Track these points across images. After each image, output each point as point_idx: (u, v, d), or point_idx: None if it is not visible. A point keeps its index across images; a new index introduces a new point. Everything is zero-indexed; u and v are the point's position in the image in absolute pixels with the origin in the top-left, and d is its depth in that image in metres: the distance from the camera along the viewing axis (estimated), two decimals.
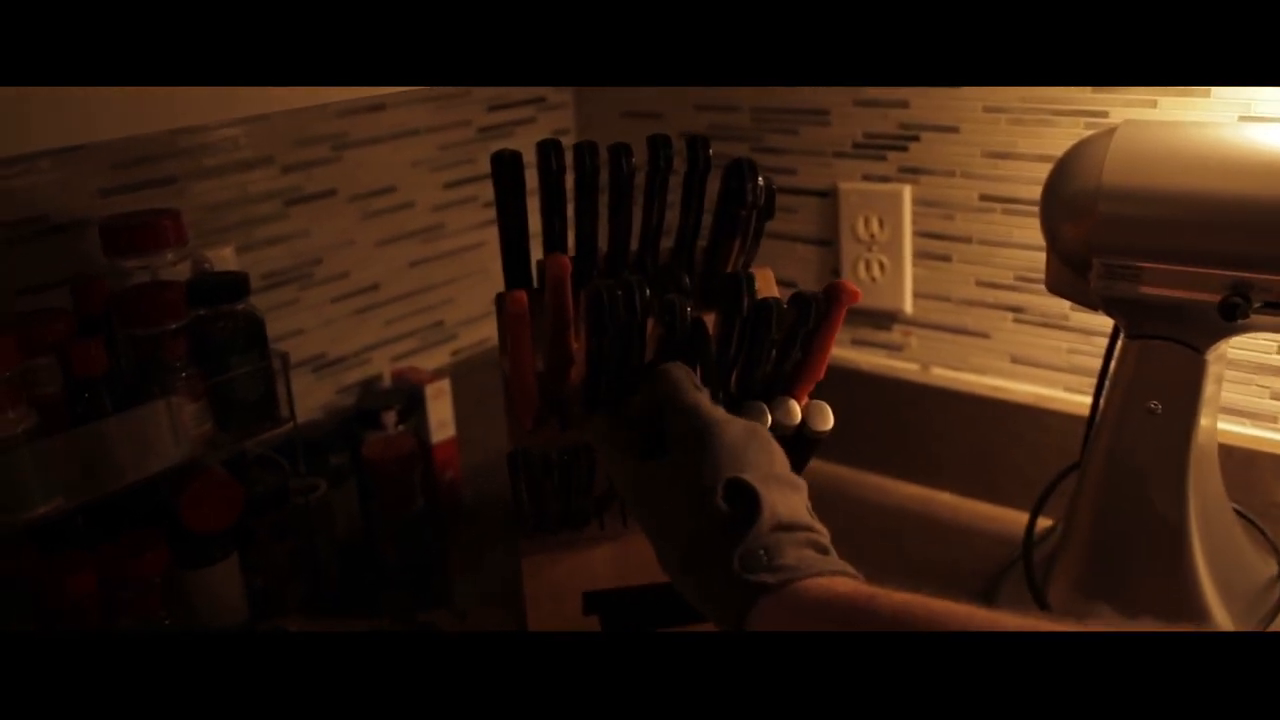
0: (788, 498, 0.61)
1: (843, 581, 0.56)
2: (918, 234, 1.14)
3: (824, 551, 0.59)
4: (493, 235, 1.26)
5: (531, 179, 0.77)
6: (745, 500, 0.59)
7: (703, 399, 0.65)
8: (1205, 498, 0.86)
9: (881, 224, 1.15)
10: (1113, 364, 0.87)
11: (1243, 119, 0.92)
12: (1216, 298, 0.75)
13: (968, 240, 1.11)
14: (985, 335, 1.13)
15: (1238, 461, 0.96)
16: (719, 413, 0.64)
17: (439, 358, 1.26)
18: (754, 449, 0.62)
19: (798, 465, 0.82)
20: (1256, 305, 0.74)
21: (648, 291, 0.68)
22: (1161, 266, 0.78)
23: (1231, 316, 0.74)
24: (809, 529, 0.60)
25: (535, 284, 0.83)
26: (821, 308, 0.71)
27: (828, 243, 1.20)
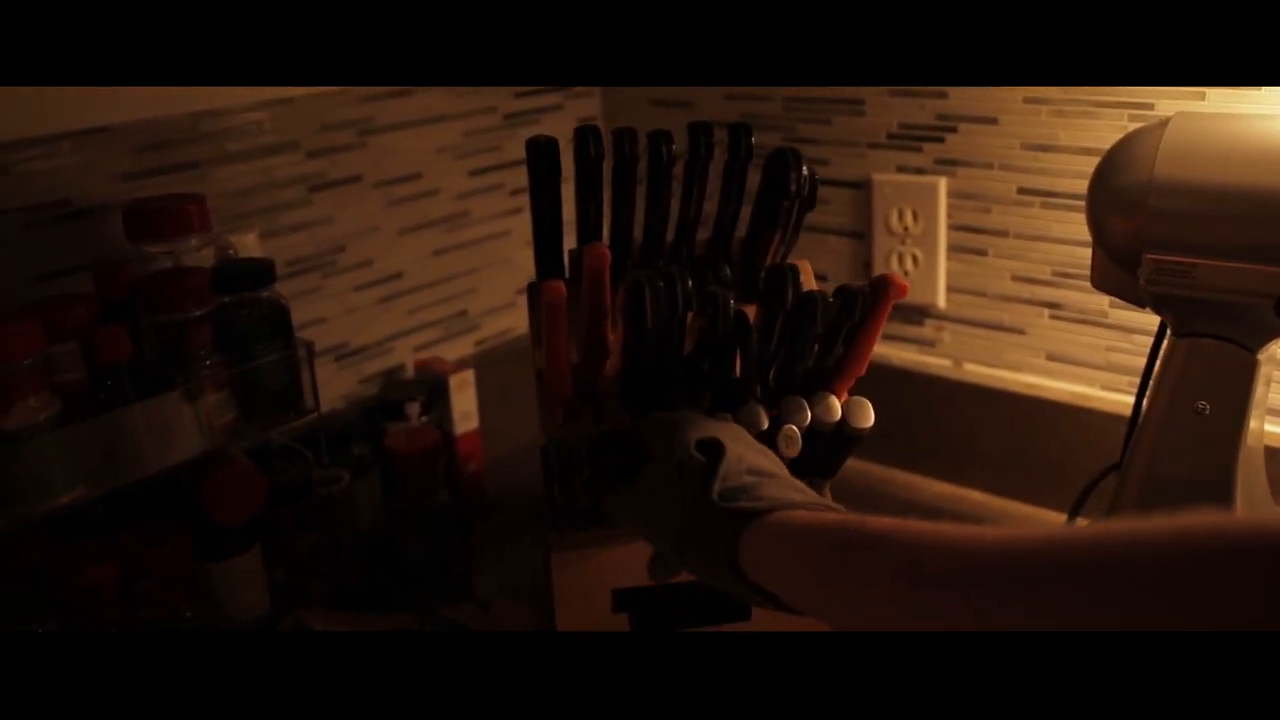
0: (761, 456, 0.64)
1: (830, 512, 0.57)
2: (953, 227, 1.12)
3: (800, 490, 0.61)
4: (518, 224, 1.26)
5: (565, 165, 0.75)
6: (718, 456, 0.62)
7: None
8: (1252, 501, 0.84)
9: (916, 217, 1.13)
10: (1158, 363, 0.84)
11: None
12: (1272, 296, 0.73)
13: (1005, 234, 1.08)
14: (1021, 331, 1.10)
15: None
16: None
17: (462, 348, 1.24)
18: (719, 425, 0.66)
19: (835, 463, 0.80)
20: None
21: (690, 283, 0.66)
22: (1215, 263, 0.75)
23: None
24: (792, 482, 0.62)
25: (567, 274, 0.82)
26: (867, 302, 0.69)
27: (860, 235, 1.18)
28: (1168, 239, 0.77)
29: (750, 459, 0.63)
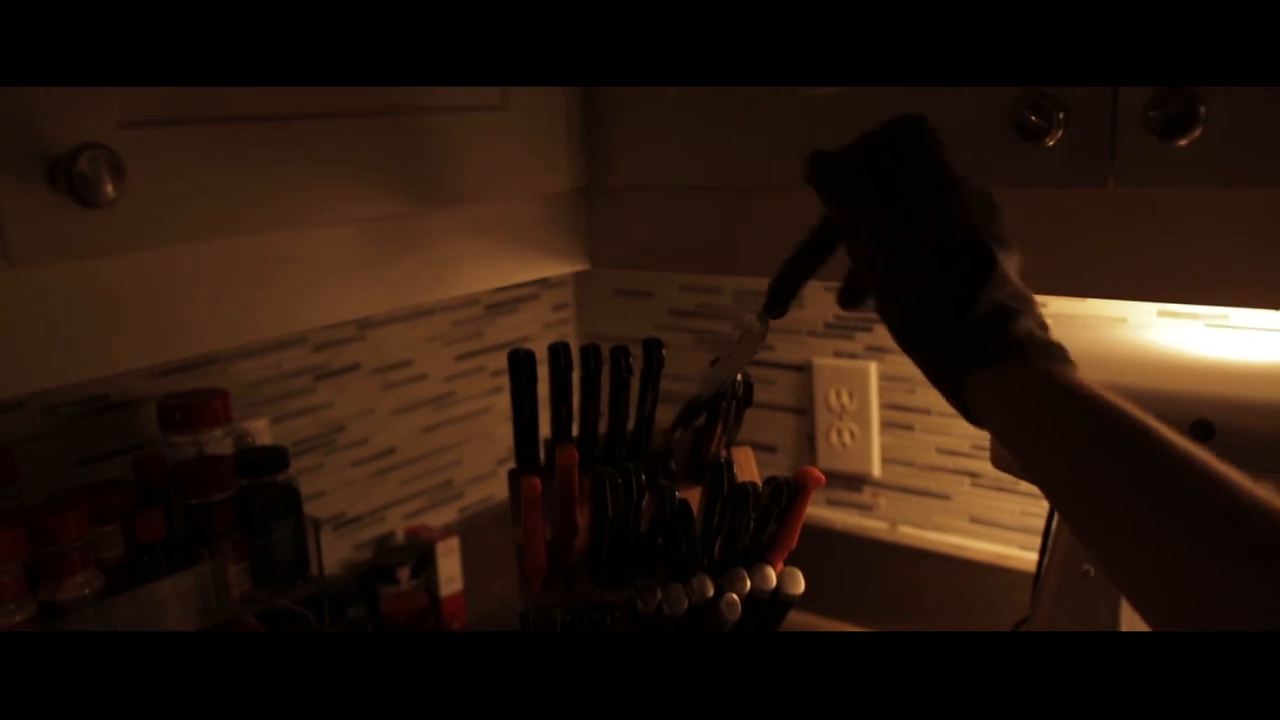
0: (1014, 267, 0.61)
1: (1066, 372, 0.56)
2: (884, 405, 1.26)
3: (1044, 327, 0.59)
4: (498, 401, 1.40)
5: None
6: (980, 260, 0.59)
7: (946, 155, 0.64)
8: None
9: (851, 396, 1.28)
10: (1054, 528, 0.98)
11: (1161, 313, 1.06)
12: None
13: (928, 412, 1.23)
14: (947, 497, 1.24)
15: None
16: (958, 171, 0.63)
17: (447, 514, 1.37)
18: (990, 213, 0.62)
19: (773, 624, 0.93)
20: None
21: (643, 477, 0.79)
22: None
23: None
24: (1030, 301, 0.60)
25: (542, 459, 0.95)
26: (792, 489, 0.82)
27: (803, 411, 1.33)
28: None
29: (1012, 273, 0.59)
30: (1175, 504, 0.49)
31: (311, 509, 1.09)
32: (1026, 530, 1.18)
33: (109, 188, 0.60)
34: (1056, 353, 0.57)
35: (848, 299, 0.75)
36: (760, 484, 0.82)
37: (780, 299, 0.77)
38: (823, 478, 0.82)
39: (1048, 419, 0.55)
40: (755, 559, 0.88)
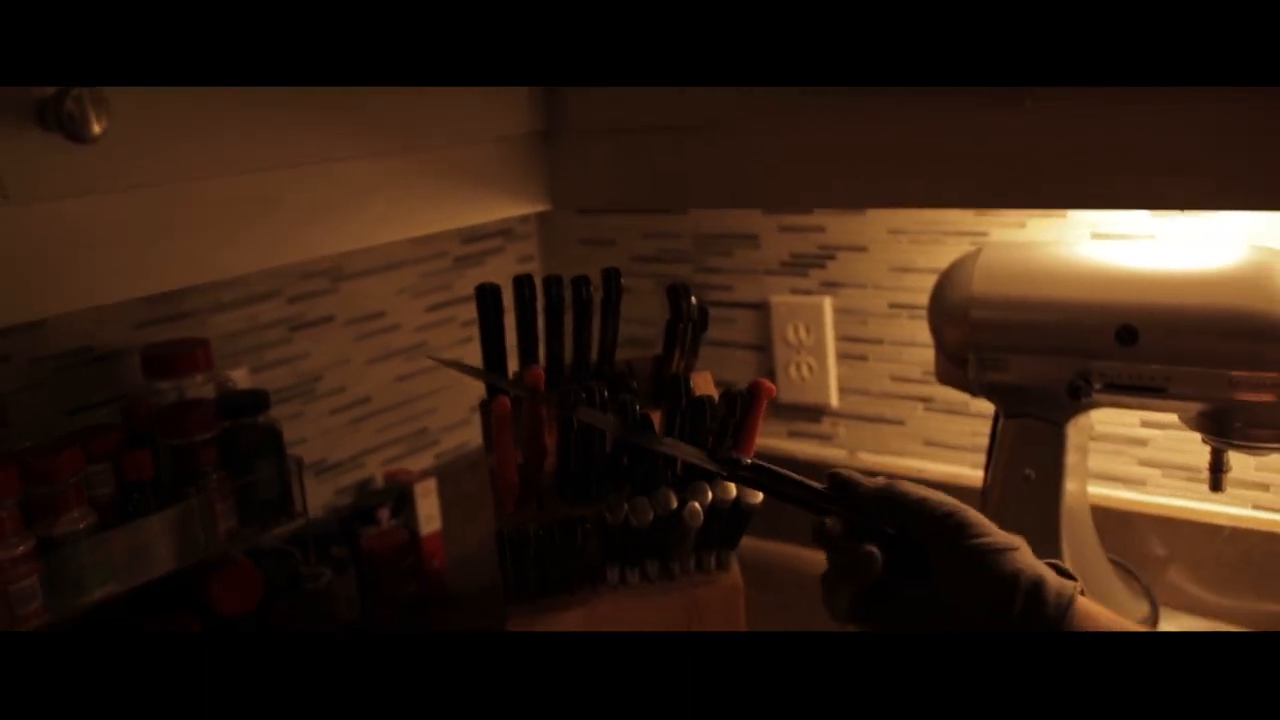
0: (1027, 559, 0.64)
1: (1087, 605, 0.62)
2: (839, 338, 1.32)
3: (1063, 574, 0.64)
4: (468, 351, 1.45)
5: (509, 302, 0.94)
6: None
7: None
8: (1080, 551, 1.03)
9: (808, 330, 1.33)
10: (996, 441, 1.04)
11: (1094, 235, 1.12)
12: (1066, 381, 0.93)
13: (880, 342, 1.29)
14: (901, 423, 1.30)
15: (1115, 520, 1.13)
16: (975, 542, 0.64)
17: (424, 460, 1.42)
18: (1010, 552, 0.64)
19: (735, 534, 0.98)
20: (1097, 386, 0.92)
21: (606, 393, 0.84)
22: (1022, 357, 0.96)
23: (1076, 396, 0.92)
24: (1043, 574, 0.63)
25: (511, 391, 1.00)
26: (746, 402, 0.88)
27: (763, 348, 1.38)
28: (986, 341, 0.97)
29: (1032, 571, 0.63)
30: None
31: (293, 455, 1.14)
32: (976, 449, 1.24)
33: (95, 124, 0.64)
34: (1069, 593, 0.62)
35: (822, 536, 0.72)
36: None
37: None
38: (774, 388, 0.87)
39: None
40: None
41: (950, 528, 0.64)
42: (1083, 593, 0.63)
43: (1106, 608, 0.98)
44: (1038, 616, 0.61)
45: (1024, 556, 0.63)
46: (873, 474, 1.26)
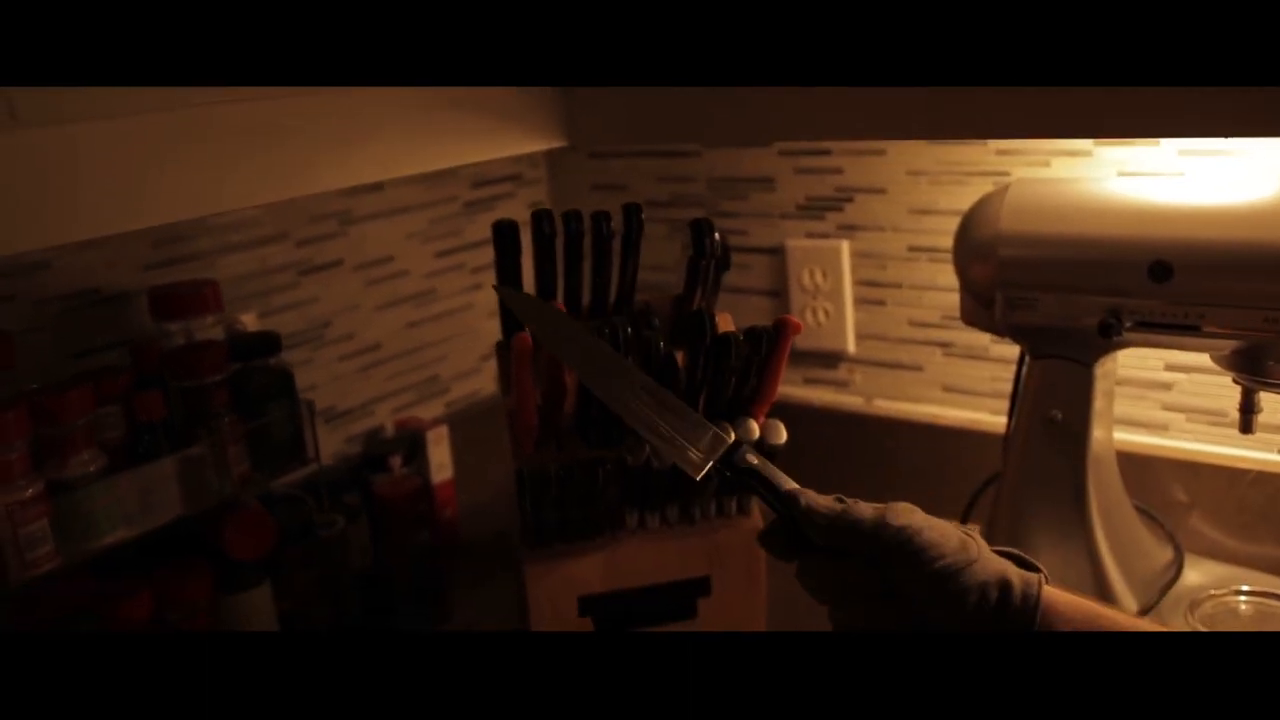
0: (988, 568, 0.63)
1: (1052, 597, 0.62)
2: (856, 283, 1.30)
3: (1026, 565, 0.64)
4: (479, 298, 1.43)
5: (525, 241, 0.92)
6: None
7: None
8: (1105, 496, 1.01)
9: (824, 275, 1.31)
10: (1022, 383, 1.02)
11: (1121, 174, 1.09)
12: (1096, 320, 0.91)
13: (899, 286, 1.27)
14: (919, 368, 1.28)
15: (1137, 466, 1.12)
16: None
17: (435, 409, 1.40)
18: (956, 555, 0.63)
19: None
20: (1128, 325, 0.90)
21: (629, 330, 0.82)
22: (1051, 296, 0.94)
23: (1108, 335, 0.90)
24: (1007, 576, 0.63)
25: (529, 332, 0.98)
26: (771, 339, 0.86)
27: (778, 294, 1.36)
28: (1014, 279, 0.95)
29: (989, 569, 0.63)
30: None
31: None
32: (996, 395, 1.23)
33: None
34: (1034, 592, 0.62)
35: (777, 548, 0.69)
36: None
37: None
38: (800, 324, 0.85)
39: None
40: (739, 412, 0.91)
41: (908, 555, 0.62)
42: (1048, 581, 0.63)
43: (1122, 560, 0.99)
44: (1007, 619, 0.61)
45: (984, 566, 0.62)
46: (892, 423, 1.25)
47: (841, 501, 0.65)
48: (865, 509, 0.64)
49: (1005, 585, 0.62)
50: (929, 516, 0.64)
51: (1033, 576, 0.63)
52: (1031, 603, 0.61)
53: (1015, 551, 0.65)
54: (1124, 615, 0.62)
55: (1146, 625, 0.63)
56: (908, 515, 0.63)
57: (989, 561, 0.63)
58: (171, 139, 0.74)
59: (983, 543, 0.64)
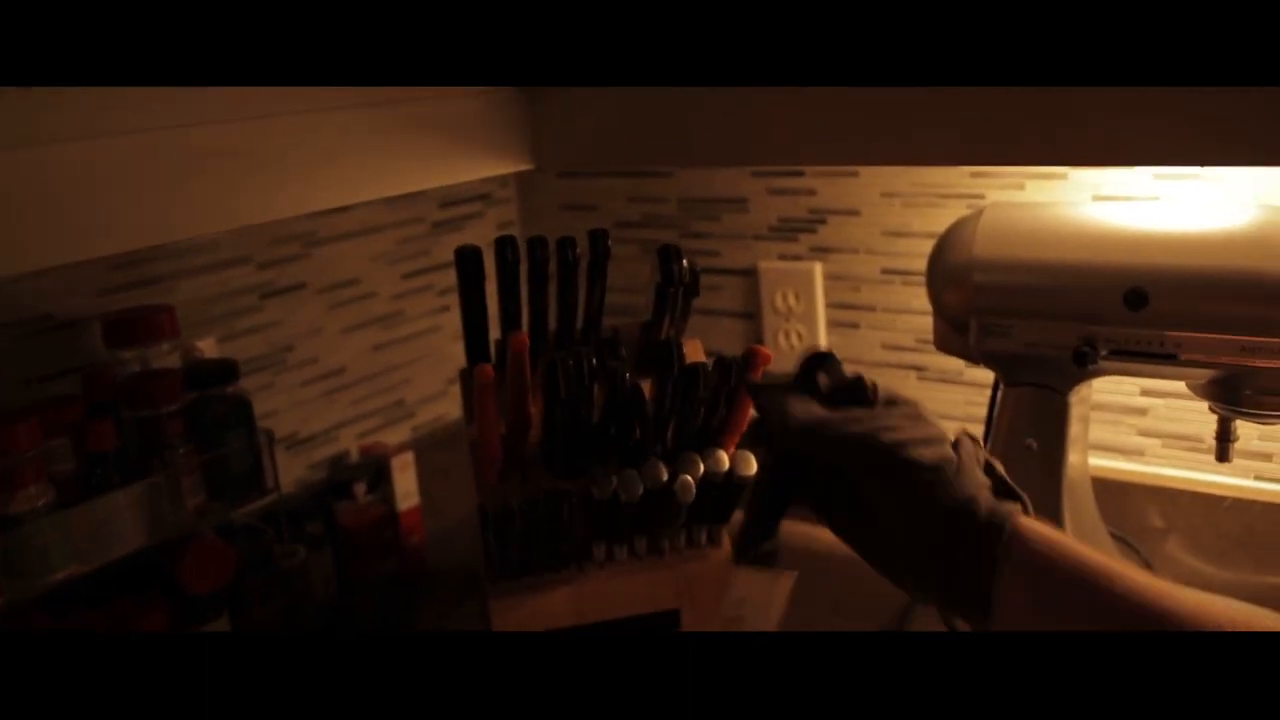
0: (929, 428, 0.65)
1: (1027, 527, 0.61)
2: (829, 305, 1.28)
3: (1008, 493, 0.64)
4: (446, 320, 1.40)
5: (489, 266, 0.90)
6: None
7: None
8: (1081, 523, 1.00)
9: (797, 297, 1.29)
10: (996, 410, 1.01)
11: (1096, 198, 1.08)
12: (1071, 348, 0.89)
13: (873, 309, 1.25)
14: None
15: (1113, 492, 1.10)
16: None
17: (400, 434, 1.37)
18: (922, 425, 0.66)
19: (727, 508, 0.94)
20: (1103, 353, 0.88)
21: (594, 360, 0.80)
22: (1026, 323, 0.92)
23: (1083, 364, 0.88)
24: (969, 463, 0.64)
25: (493, 360, 0.95)
26: (740, 369, 0.84)
27: (751, 316, 1.34)
28: (989, 304, 0.94)
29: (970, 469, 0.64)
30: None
31: (264, 427, 1.09)
32: (971, 419, 1.21)
33: None
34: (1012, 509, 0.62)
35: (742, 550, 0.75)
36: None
37: (749, 547, 0.75)
38: (770, 354, 0.83)
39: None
40: (707, 443, 0.89)
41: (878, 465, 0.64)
42: (1027, 510, 0.62)
43: None
44: (966, 543, 0.61)
45: (958, 485, 0.62)
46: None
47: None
48: (837, 419, 0.69)
49: (969, 512, 0.61)
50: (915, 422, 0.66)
51: (1004, 508, 0.62)
52: (994, 532, 0.60)
53: (1000, 472, 0.65)
54: (1098, 554, 0.60)
55: (1120, 567, 0.60)
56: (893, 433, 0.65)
57: (969, 473, 0.63)
58: (126, 165, 0.71)
59: (967, 452, 0.64)
